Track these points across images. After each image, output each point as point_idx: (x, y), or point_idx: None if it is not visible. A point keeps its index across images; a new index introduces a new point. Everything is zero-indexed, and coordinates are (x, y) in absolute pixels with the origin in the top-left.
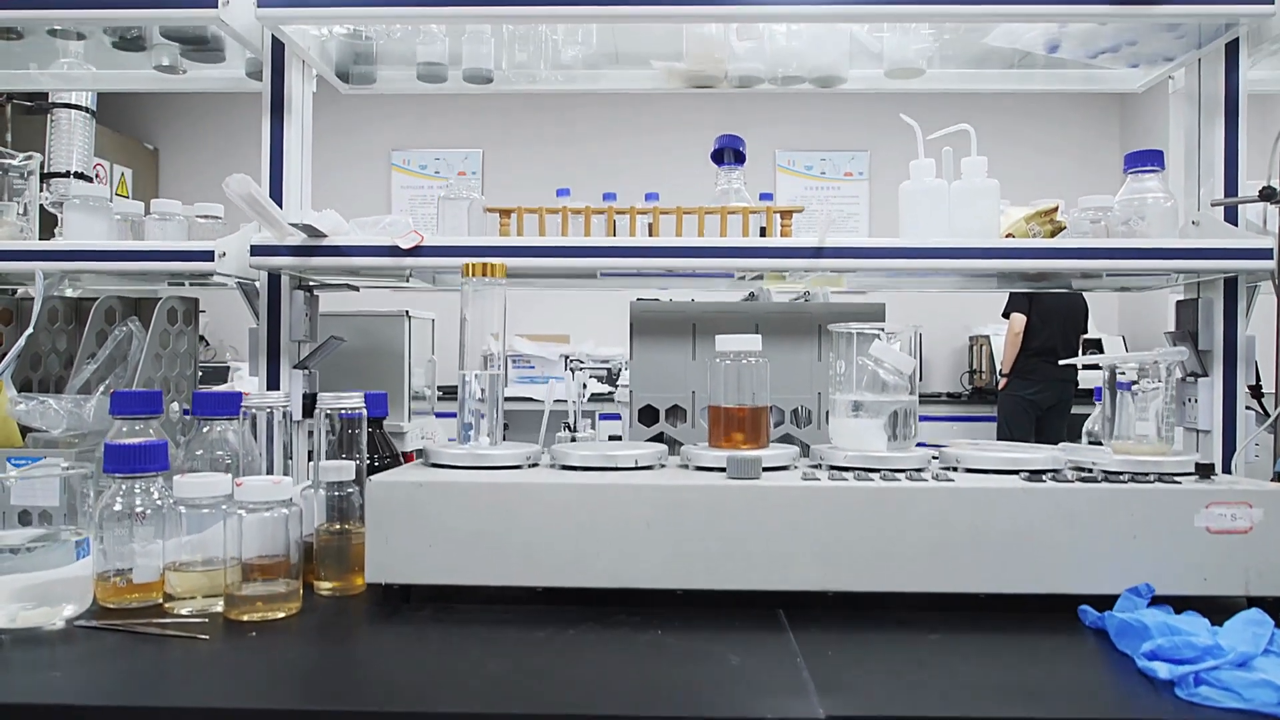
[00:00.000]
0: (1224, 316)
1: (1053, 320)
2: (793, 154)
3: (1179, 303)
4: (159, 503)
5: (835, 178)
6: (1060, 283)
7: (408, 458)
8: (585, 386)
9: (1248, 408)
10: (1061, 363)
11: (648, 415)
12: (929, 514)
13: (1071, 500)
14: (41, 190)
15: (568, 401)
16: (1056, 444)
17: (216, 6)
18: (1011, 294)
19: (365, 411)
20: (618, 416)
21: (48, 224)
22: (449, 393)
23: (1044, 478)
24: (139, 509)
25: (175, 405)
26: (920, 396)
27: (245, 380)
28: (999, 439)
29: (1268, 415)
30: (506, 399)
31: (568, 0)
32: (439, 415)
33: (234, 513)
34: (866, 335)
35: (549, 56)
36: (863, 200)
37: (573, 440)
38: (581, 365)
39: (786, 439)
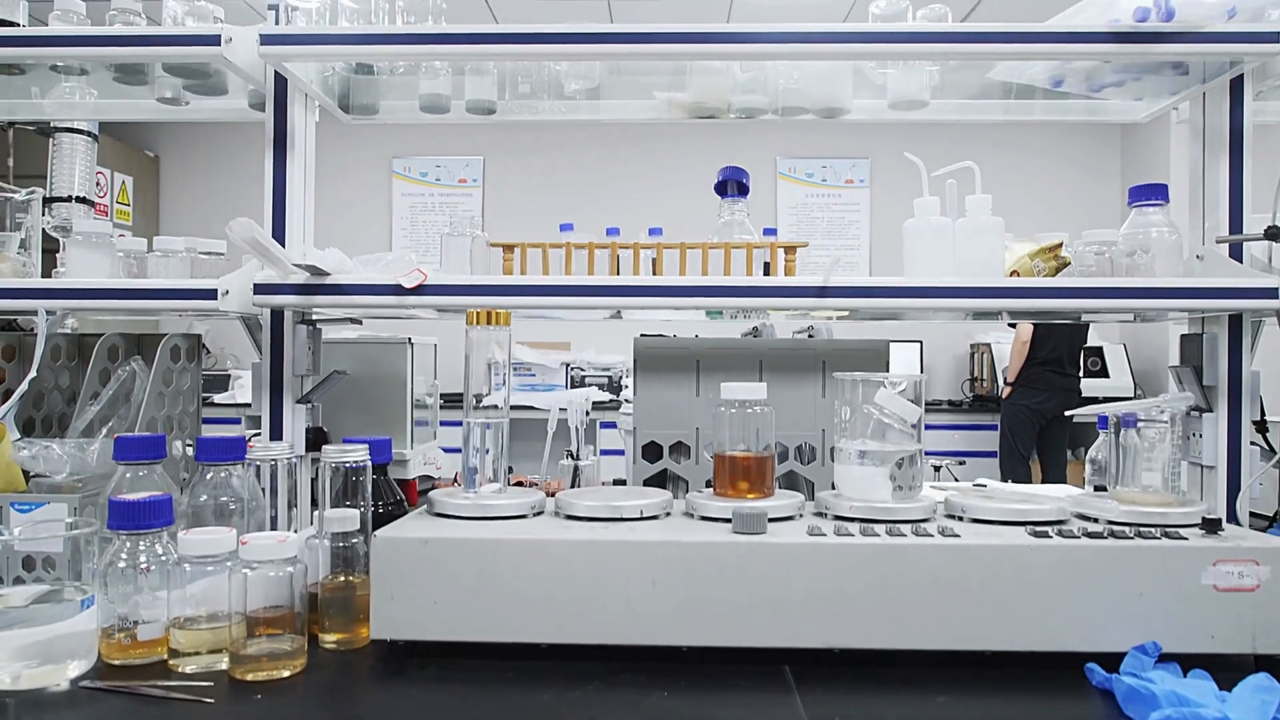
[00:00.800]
0: (1228, 352)
1: (1058, 329)
2: (794, 161)
3: (1183, 336)
4: (164, 558)
5: (836, 184)
6: (1066, 317)
7: (411, 487)
8: (588, 415)
9: (1252, 443)
10: (1068, 412)
11: (651, 452)
12: (935, 571)
13: (1078, 557)
14: (44, 214)
15: (568, 411)
16: (1060, 454)
17: (219, 44)
18: None
19: (369, 461)
20: (618, 425)
21: (48, 244)
22: (452, 401)
23: (1050, 532)
24: (144, 565)
25: (179, 443)
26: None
27: (246, 389)
28: (1001, 448)
29: (1273, 451)
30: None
31: (570, 39)
32: (443, 424)
33: (239, 571)
34: (871, 383)
35: (552, 88)
36: (864, 207)
37: (576, 469)
38: (583, 373)
39: (790, 475)
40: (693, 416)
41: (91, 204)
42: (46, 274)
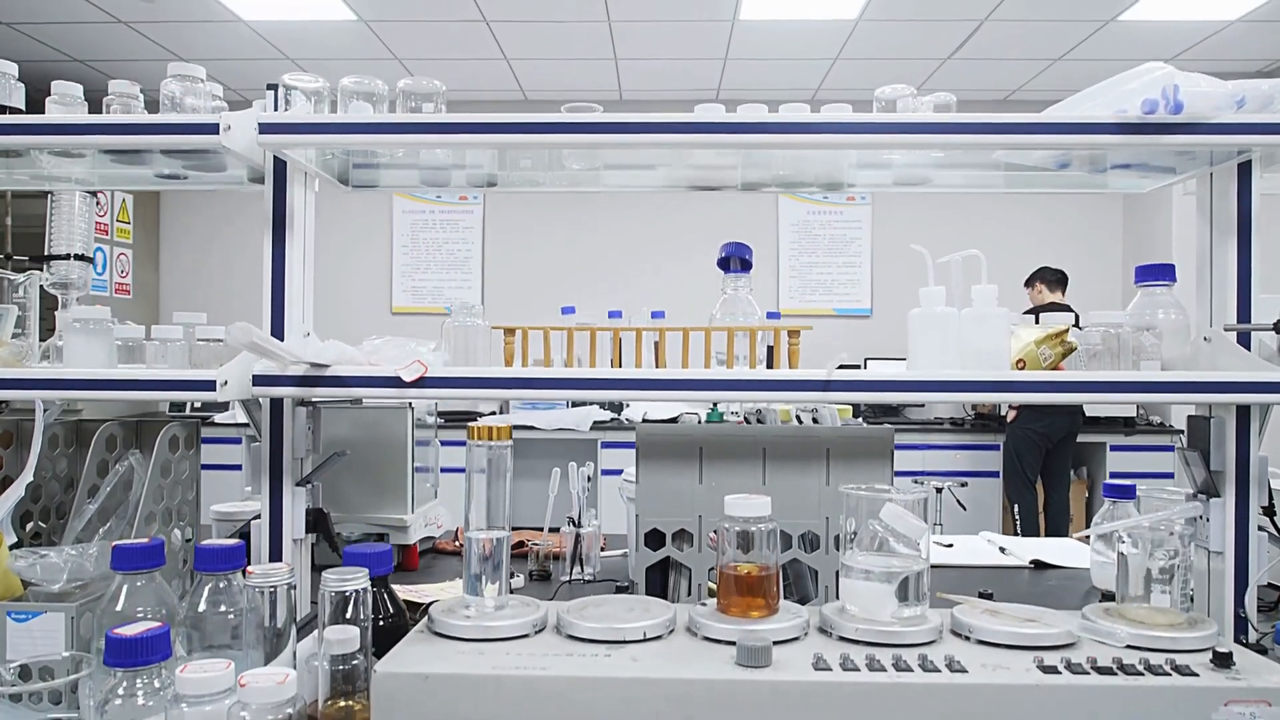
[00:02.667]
0: (1237, 437)
1: None
2: None
3: (1190, 418)
4: (161, 692)
5: (838, 202)
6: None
7: (411, 551)
8: (590, 480)
9: (1260, 528)
10: (1077, 535)
11: (654, 539)
12: (942, 710)
13: (1087, 696)
14: (43, 270)
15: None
16: (1063, 476)
17: (218, 132)
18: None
19: (369, 583)
20: (618, 445)
21: (48, 303)
22: (452, 419)
23: (1059, 667)
24: (141, 704)
25: (177, 532)
26: (922, 424)
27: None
28: (1006, 470)
29: None
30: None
31: (569, 129)
32: (444, 444)
33: (238, 714)
34: (877, 500)
35: (553, 164)
36: (865, 225)
37: (578, 537)
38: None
39: (794, 563)
40: (695, 503)
41: (90, 260)
42: (44, 339)
